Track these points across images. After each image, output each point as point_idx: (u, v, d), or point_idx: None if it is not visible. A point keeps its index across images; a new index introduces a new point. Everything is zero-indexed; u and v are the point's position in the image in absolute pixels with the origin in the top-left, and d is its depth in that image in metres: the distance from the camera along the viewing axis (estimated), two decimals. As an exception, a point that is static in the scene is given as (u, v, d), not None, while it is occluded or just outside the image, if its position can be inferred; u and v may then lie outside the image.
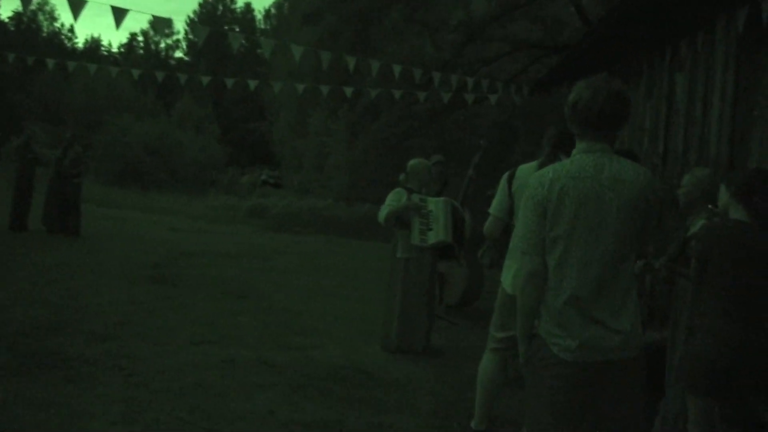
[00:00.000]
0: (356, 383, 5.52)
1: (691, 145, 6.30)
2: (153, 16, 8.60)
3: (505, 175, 4.34)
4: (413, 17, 17.44)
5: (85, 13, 7.41)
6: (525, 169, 4.26)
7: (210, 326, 7.04)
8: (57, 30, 64.90)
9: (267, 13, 68.94)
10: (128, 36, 73.79)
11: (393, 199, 6.38)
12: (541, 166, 4.11)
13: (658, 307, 6.35)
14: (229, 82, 10.87)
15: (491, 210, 4.35)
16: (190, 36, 63.27)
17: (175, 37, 67.73)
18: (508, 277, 4.19)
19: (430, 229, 6.26)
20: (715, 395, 3.58)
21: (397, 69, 9.41)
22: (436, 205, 6.34)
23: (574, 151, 2.81)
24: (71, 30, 65.69)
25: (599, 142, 2.74)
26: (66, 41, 65.29)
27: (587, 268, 2.66)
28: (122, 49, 70.45)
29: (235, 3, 68.21)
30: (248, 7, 73.24)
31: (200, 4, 65.23)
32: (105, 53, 68.03)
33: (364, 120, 22.35)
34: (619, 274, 2.70)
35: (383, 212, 6.31)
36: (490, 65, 19.29)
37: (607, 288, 2.68)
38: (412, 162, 6.72)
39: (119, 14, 7.51)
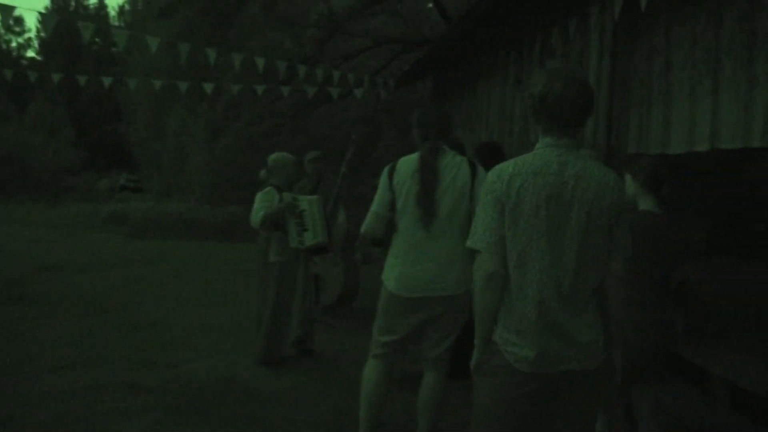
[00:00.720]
0: (235, 400, 5.13)
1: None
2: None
3: (386, 169, 4.06)
4: (273, 11, 16.95)
5: None
6: (406, 162, 4.00)
7: (73, 348, 6.45)
8: None
9: (121, 9, 66.20)
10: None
11: (264, 200, 5.97)
12: (423, 157, 3.94)
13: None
14: (82, 79, 10.06)
15: (372, 206, 4.06)
16: (42, 33, 59.97)
17: (26, 35, 64.04)
18: (391, 277, 3.98)
19: (307, 230, 5.90)
20: (639, 382, 3.73)
21: (260, 63, 8.96)
22: (309, 204, 5.98)
23: (537, 145, 2.61)
24: None
25: (565, 137, 2.56)
26: None
27: (549, 272, 2.47)
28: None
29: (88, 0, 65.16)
30: (101, 3, 70.05)
31: (52, 1, 61.88)
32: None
33: (226, 118, 21.71)
34: (582, 280, 2.51)
35: (258, 215, 5.88)
36: (352, 60, 19.09)
37: (569, 294, 2.49)
38: (273, 157, 6.30)
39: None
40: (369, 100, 15.98)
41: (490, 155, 5.31)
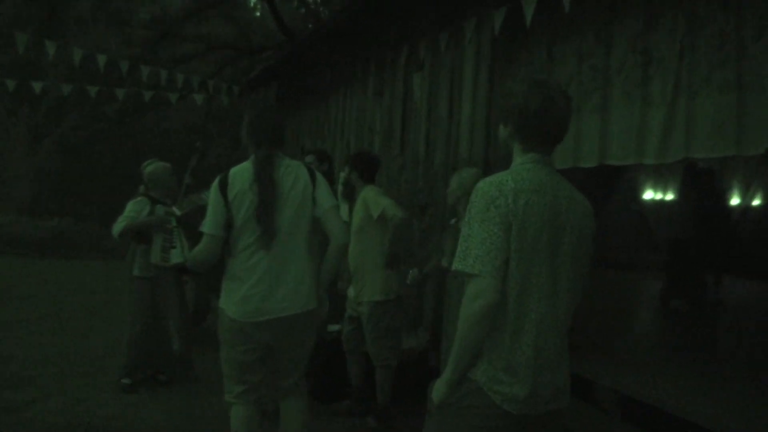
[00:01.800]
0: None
1: (437, 146, 6.13)
2: None
3: (216, 184, 3.54)
4: (103, 8, 15.95)
5: None
6: (239, 173, 3.53)
7: None
8: None
9: None
10: None
11: (133, 210, 5.44)
12: (259, 167, 3.50)
13: (418, 312, 6.12)
14: None
15: (205, 228, 3.53)
16: None
17: None
18: (231, 302, 3.53)
19: (173, 247, 5.40)
20: None
21: (102, 59, 8.23)
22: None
23: (520, 160, 2.37)
24: None
25: (548, 154, 2.38)
26: None
27: (547, 303, 2.25)
28: None
29: None
30: None
31: None
32: None
33: (48, 122, 20.22)
34: (569, 312, 2.33)
35: (119, 225, 5.32)
36: (183, 65, 18.35)
37: (562, 327, 2.31)
38: (149, 167, 5.70)
39: None
40: (201, 107, 15.25)
41: (368, 165, 5.09)
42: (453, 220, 4.58)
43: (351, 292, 5.09)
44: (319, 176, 3.67)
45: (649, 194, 15.30)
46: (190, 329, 6.09)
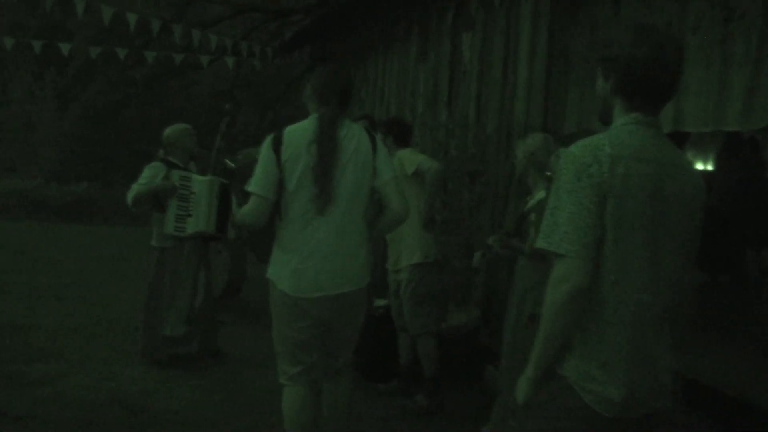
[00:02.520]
0: (122, 423, 4.26)
1: (489, 111, 5.74)
2: None
3: (268, 141, 3.23)
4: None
5: None
6: (296, 132, 3.22)
7: None
8: None
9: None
10: None
11: (148, 176, 5.17)
12: (322, 125, 3.19)
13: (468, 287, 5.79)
14: None
15: (253, 188, 3.21)
16: None
17: None
18: (283, 275, 3.24)
19: (190, 215, 5.10)
20: None
21: (132, 18, 7.88)
22: (200, 185, 5.17)
23: (621, 121, 2.03)
24: None
25: (655, 114, 2.04)
26: None
27: (649, 290, 1.93)
28: None
29: None
30: None
31: None
32: None
33: (75, 86, 19.94)
34: (672, 300, 2.01)
35: (131, 193, 5.10)
36: (210, 29, 17.95)
37: (662, 318, 1.98)
38: (168, 131, 5.44)
39: None
40: (229, 72, 14.86)
41: (403, 129, 4.91)
42: (529, 198, 4.20)
43: (390, 263, 4.80)
44: (380, 143, 3.36)
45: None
46: (213, 306, 5.76)
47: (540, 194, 3.82)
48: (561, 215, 1.90)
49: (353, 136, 3.25)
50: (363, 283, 3.34)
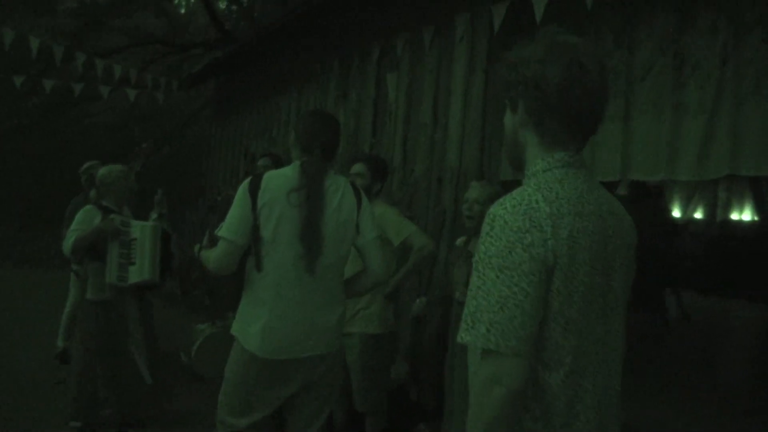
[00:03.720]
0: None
1: (417, 153, 5.56)
2: None
3: (246, 184, 2.94)
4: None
5: None
6: (277, 177, 2.95)
7: None
8: None
9: None
10: None
11: (83, 221, 4.57)
12: (309, 174, 2.90)
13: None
14: None
15: (223, 232, 2.91)
16: None
17: None
18: (251, 332, 2.89)
19: (133, 263, 4.58)
20: None
21: (34, 43, 7.37)
22: (143, 231, 4.63)
23: (540, 165, 1.65)
24: None
25: (579, 151, 1.67)
26: None
27: (607, 369, 1.64)
28: None
29: None
30: None
31: None
32: None
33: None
34: (620, 369, 1.72)
35: (69, 240, 4.47)
36: (109, 58, 17.31)
37: (617, 393, 1.70)
38: (102, 171, 4.85)
39: None
40: (126, 104, 14.26)
41: (385, 174, 4.31)
42: (460, 240, 4.00)
43: None
44: (365, 200, 3.10)
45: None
46: (159, 358, 5.24)
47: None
48: (489, 300, 1.50)
49: (338, 189, 2.99)
50: (337, 347, 3.06)
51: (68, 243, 4.47)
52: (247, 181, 2.95)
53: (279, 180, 2.93)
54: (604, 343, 1.61)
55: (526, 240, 1.48)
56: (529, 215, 1.50)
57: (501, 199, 1.57)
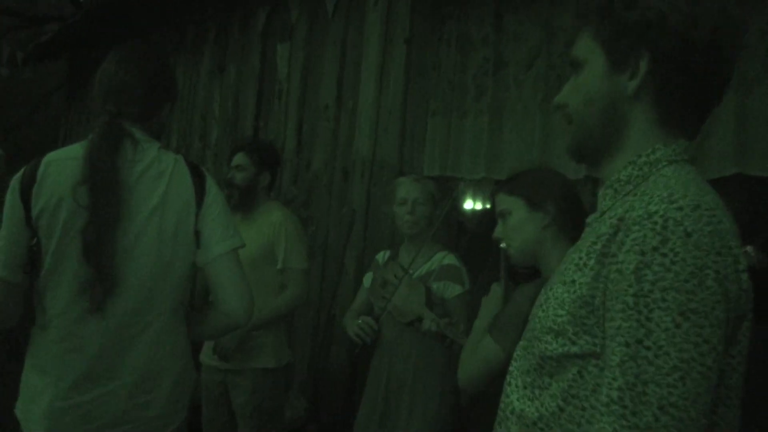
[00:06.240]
0: None
1: (315, 142, 4.60)
2: None
3: (16, 181, 1.81)
4: None
5: None
6: (58, 163, 1.80)
7: None
8: None
9: None
10: None
11: None
12: (92, 150, 1.77)
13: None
14: None
15: None
16: None
17: None
18: (34, 411, 1.80)
19: None
20: None
21: None
22: None
23: (664, 152, 1.12)
24: None
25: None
26: None
27: None
28: None
29: None
30: None
31: None
32: None
33: None
34: None
35: None
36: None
37: None
38: None
39: None
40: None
41: (265, 161, 3.29)
42: (381, 254, 3.10)
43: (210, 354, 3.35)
44: (212, 189, 1.96)
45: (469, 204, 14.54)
46: None
47: (441, 256, 2.81)
48: (657, 363, 0.94)
49: (161, 174, 1.87)
50: (175, 420, 1.95)
51: None
52: (17, 176, 1.83)
53: (65, 166, 1.81)
54: None
55: (718, 274, 0.95)
56: (714, 226, 0.98)
57: (662, 194, 1.01)
